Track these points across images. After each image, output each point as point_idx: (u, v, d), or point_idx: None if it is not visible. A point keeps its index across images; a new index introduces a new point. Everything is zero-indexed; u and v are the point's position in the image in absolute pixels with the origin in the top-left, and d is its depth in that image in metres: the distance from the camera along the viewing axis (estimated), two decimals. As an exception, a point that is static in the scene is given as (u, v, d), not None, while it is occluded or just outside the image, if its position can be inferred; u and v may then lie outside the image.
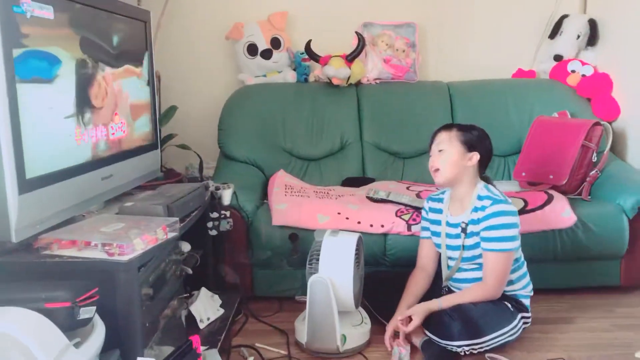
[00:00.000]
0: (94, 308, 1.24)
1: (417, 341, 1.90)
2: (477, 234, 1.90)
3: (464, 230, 1.92)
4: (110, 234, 1.44)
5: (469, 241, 1.92)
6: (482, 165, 1.96)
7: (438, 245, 2.04)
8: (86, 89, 1.62)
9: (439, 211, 2.04)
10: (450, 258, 2.00)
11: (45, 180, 1.42)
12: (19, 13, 1.32)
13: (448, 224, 1.99)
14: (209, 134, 2.91)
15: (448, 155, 1.92)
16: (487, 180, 2.00)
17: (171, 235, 1.56)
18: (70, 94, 1.54)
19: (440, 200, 2.06)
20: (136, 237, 1.41)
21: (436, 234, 2.04)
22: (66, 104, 1.53)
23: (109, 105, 1.78)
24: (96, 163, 1.68)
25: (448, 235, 1.99)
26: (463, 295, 1.92)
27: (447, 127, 1.98)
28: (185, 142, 2.92)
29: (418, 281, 2.03)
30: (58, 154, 1.49)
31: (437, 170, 1.94)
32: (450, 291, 2.02)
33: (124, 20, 1.90)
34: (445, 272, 2.02)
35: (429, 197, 2.12)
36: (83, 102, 1.61)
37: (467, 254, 1.94)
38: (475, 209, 1.91)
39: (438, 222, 2.03)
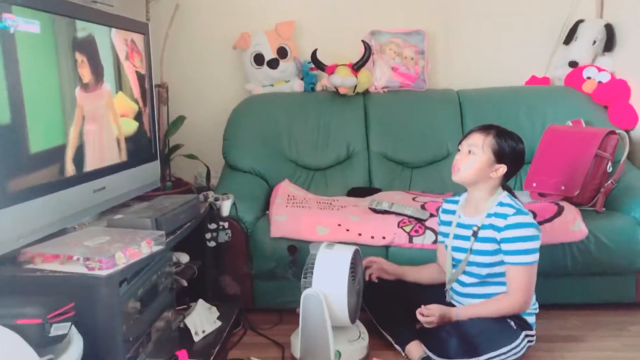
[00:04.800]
0: (68, 324, 1.23)
1: (417, 358, 1.85)
2: (490, 240, 1.83)
3: (474, 233, 1.86)
4: (92, 248, 1.43)
5: (479, 246, 1.86)
6: (507, 176, 1.91)
7: (447, 246, 2.00)
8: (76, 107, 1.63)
9: (452, 212, 2.01)
10: (455, 259, 1.95)
11: (28, 194, 1.42)
12: (2, 29, 1.33)
13: (459, 225, 1.95)
14: (217, 143, 2.90)
15: (475, 160, 1.85)
16: (508, 189, 1.94)
17: (156, 248, 1.54)
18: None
19: (455, 202, 2.03)
20: (118, 251, 1.40)
21: (445, 234, 2.01)
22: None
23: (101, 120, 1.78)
24: (86, 176, 1.68)
25: (456, 237, 1.94)
26: (486, 305, 1.85)
27: (485, 128, 1.89)
28: (194, 152, 2.93)
29: (429, 266, 2.09)
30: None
31: (458, 169, 1.88)
32: (450, 301, 1.96)
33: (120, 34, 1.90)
34: (449, 273, 1.97)
35: (445, 199, 2.11)
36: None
37: (475, 258, 1.87)
38: (493, 215, 1.85)
39: (448, 223, 2.00)
